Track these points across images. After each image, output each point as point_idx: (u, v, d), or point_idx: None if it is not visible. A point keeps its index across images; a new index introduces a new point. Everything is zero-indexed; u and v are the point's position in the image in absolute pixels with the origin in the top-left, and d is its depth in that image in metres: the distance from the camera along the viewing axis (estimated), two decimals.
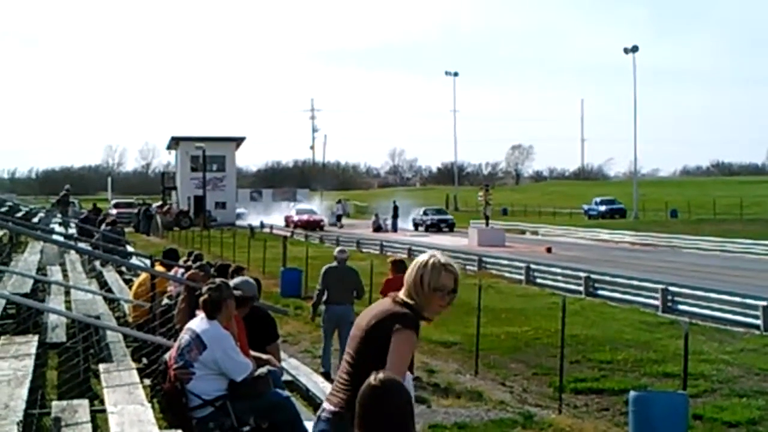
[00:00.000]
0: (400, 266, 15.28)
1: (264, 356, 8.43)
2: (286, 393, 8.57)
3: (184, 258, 16.37)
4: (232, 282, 8.72)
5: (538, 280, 31.26)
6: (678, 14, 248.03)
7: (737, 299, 22.16)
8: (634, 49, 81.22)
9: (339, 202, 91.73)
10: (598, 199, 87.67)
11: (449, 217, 74.58)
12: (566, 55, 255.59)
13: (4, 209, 31.01)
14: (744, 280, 29.31)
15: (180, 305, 10.30)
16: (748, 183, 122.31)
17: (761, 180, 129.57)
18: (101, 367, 9.74)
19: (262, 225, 70.66)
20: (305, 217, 75.66)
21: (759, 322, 20.78)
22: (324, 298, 16.20)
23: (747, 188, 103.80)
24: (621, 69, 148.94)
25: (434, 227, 70.82)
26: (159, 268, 14.82)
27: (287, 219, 76.78)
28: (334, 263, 16.72)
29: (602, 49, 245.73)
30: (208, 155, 77.51)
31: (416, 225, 74.88)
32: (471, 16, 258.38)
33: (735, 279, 29.91)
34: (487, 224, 59.13)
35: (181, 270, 13.98)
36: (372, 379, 3.84)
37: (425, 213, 76.05)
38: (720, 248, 46.01)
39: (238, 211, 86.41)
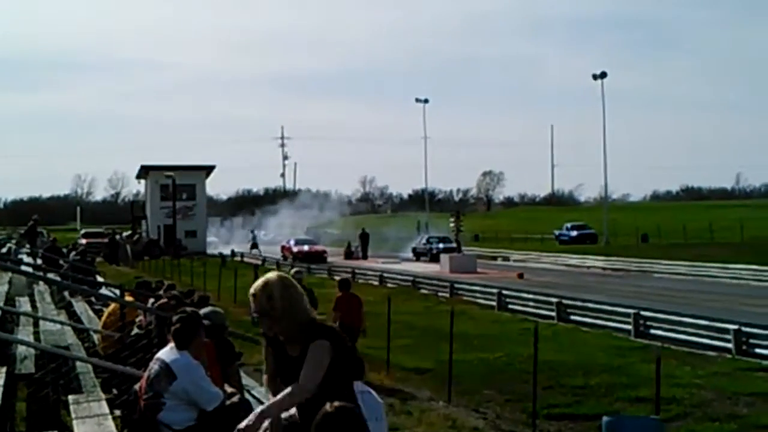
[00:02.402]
0: (345, 284, 19.58)
1: (230, 389, 8.36)
2: None
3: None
4: (201, 311, 8.67)
5: (511, 306, 31.28)
6: (648, 41, 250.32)
7: (709, 323, 22.25)
8: (603, 75, 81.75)
9: (307, 230, 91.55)
10: (569, 225, 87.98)
11: (455, 245, 63.50)
12: (536, 82, 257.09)
13: None
14: (716, 304, 29.47)
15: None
16: (717, 207, 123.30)
17: (731, 204, 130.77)
18: (70, 398, 9.63)
19: (233, 253, 70.24)
20: (305, 248, 68.93)
21: (731, 345, 20.86)
22: None
23: (717, 212, 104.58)
24: (590, 95, 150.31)
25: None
26: (128, 298, 14.72)
27: (284, 249, 71.49)
28: None
29: (572, 75, 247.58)
30: (178, 184, 77.29)
31: (418, 254, 68.41)
32: (440, 44, 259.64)
33: (707, 303, 30.06)
34: (458, 250, 59.12)
35: (152, 299, 13.92)
36: (327, 407, 3.90)
37: (428, 241, 69.64)
38: (691, 272, 46.23)
39: (209, 239, 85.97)
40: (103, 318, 14.77)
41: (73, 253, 32.64)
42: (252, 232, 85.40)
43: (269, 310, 5.35)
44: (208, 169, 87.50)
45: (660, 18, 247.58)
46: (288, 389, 5.34)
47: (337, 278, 46.39)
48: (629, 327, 24.28)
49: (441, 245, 65.24)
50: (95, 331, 15.08)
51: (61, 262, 28.37)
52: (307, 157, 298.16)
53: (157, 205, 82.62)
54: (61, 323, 15.88)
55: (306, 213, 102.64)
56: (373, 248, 72.90)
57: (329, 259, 64.44)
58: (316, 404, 5.44)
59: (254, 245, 76.98)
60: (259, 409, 5.39)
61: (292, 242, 72.01)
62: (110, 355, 12.38)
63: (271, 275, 5.50)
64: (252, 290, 5.40)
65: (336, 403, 3.98)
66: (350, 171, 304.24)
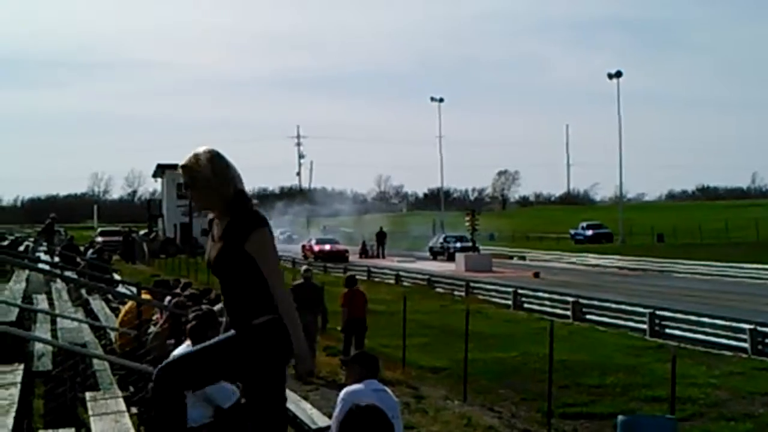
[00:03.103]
0: (350, 281, 20.95)
1: None
2: None
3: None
4: (215, 308, 8.72)
5: (526, 305, 31.26)
6: (661, 40, 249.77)
7: (724, 323, 22.20)
8: (618, 74, 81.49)
9: (324, 228, 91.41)
10: (584, 224, 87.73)
11: (476, 245, 61.78)
12: (551, 81, 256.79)
13: None
14: (731, 304, 29.37)
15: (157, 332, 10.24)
16: (733, 207, 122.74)
17: (746, 204, 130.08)
18: (87, 395, 9.68)
19: None
20: (327, 247, 66.59)
21: (746, 345, 20.81)
22: None
23: (732, 212, 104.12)
24: (605, 94, 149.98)
25: None
26: (146, 296, 14.79)
27: (305, 249, 69.14)
28: (301, 280, 19.76)
29: (587, 74, 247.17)
30: None
31: (435, 254, 67.56)
32: (455, 44, 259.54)
33: (722, 303, 29.95)
34: (475, 249, 58.97)
35: (168, 297, 13.98)
36: (353, 406, 3.94)
37: (446, 240, 68.70)
38: (706, 272, 46.05)
39: None
40: (120, 316, 14.84)
41: (91, 251, 32.77)
42: (323, 228, 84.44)
43: (197, 181, 5.25)
44: None
45: (675, 17, 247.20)
46: (287, 318, 5.20)
47: None
48: (645, 326, 24.24)
49: (458, 244, 64.20)
50: (112, 329, 15.15)
51: (78, 260, 28.49)
52: (323, 156, 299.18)
53: (174, 204, 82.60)
54: (79, 321, 15.95)
55: (320, 211, 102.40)
56: (389, 247, 72.62)
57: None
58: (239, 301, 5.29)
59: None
60: (301, 354, 5.24)
61: (313, 241, 70.20)
62: (127, 352, 12.45)
63: (201, 148, 5.33)
64: (181, 162, 5.28)
65: (362, 403, 4.02)
66: (366, 170, 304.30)
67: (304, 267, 23.85)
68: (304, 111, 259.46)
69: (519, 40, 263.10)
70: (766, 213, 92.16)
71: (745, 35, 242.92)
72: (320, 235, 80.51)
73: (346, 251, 66.67)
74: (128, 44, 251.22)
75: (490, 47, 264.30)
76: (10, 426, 7.05)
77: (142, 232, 79.22)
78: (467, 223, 61.25)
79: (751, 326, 21.05)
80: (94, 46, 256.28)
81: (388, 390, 7.43)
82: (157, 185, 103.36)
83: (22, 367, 9.92)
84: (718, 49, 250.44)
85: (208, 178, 5.22)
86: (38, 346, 12.23)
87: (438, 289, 39.42)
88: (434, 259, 66.18)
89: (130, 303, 14.15)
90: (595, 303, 27.97)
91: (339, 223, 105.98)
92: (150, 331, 12.17)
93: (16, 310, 14.39)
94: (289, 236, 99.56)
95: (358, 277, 45.22)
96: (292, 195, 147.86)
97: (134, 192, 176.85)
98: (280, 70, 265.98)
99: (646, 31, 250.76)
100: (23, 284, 20.58)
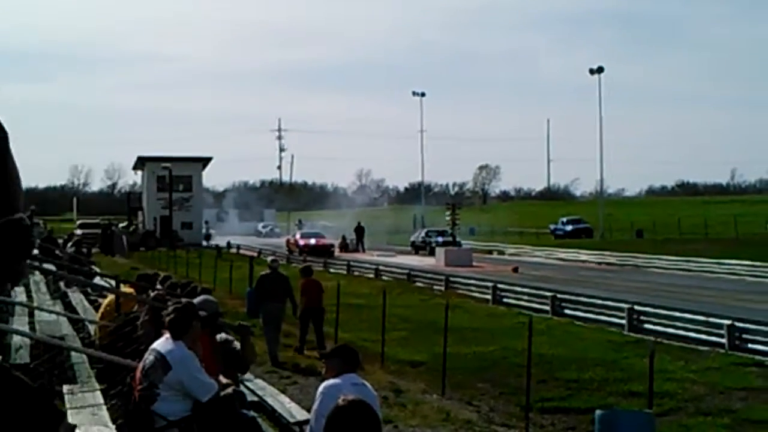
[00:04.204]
0: (306, 272, 21.89)
1: (224, 380, 8.38)
2: (252, 413, 8.54)
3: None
4: (194, 301, 8.71)
5: (505, 300, 31.27)
6: (644, 36, 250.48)
7: (702, 318, 22.29)
8: (600, 69, 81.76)
9: (299, 222, 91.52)
10: (564, 219, 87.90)
11: (457, 239, 61.48)
12: (532, 76, 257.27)
13: None
14: (709, 300, 29.50)
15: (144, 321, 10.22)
16: (712, 203, 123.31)
17: (726, 200, 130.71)
18: (65, 388, 9.67)
19: (229, 245, 69.86)
20: (312, 241, 65.04)
21: (724, 340, 20.89)
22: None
23: (712, 208, 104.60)
24: (587, 90, 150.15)
25: None
26: (128, 289, 14.74)
27: (289, 243, 68.52)
28: (268, 270, 20.69)
29: (568, 70, 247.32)
30: (174, 175, 77.09)
31: (417, 248, 66.68)
32: (437, 38, 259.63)
33: (700, 298, 30.09)
34: (456, 244, 59.02)
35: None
36: (340, 400, 3.91)
37: (428, 234, 67.74)
38: (685, 268, 46.26)
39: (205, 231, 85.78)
40: (101, 309, 14.80)
41: (69, 243, 32.67)
42: (206, 223, 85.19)
43: None
44: (205, 161, 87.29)
45: (657, 13, 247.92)
46: None
47: (333, 271, 46.59)
48: (623, 321, 24.31)
49: (440, 239, 63.37)
50: (90, 322, 15.11)
51: (57, 252, 28.40)
52: (304, 150, 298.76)
53: (154, 197, 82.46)
54: (57, 314, 15.92)
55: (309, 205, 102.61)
56: (370, 241, 72.54)
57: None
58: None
59: (207, 236, 76.79)
60: None
61: (298, 235, 69.53)
62: (105, 345, 12.42)
63: None
64: None
65: (350, 397, 4.01)
66: (347, 164, 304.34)
67: (270, 258, 24.50)
68: (285, 104, 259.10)
69: (502, 36, 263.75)
70: (744, 209, 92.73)
71: (726, 33, 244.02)
72: (302, 229, 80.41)
73: (332, 245, 65.71)
74: (111, 37, 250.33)
75: (473, 43, 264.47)
76: None
77: (121, 225, 79.01)
78: (448, 218, 61.29)
79: (729, 322, 21.16)
80: (78, 40, 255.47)
81: (367, 384, 7.43)
82: (137, 178, 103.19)
83: None
84: (700, 46, 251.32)
85: None
86: (16, 339, 12.20)
87: (418, 284, 39.41)
88: (416, 253, 65.82)
89: (111, 296, 14.13)
90: (574, 298, 28.04)
91: (319, 217, 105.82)
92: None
93: None
94: (272, 229, 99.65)
95: (338, 271, 45.48)
96: (272, 188, 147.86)
97: (114, 184, 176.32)
98: (262, 64, 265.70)
99: (629, 26, 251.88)
100: None
